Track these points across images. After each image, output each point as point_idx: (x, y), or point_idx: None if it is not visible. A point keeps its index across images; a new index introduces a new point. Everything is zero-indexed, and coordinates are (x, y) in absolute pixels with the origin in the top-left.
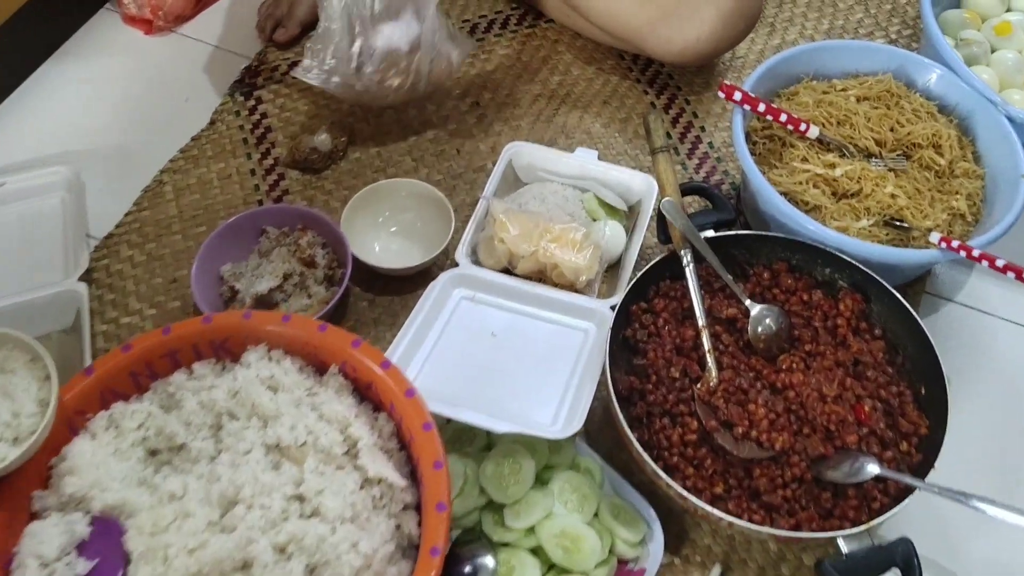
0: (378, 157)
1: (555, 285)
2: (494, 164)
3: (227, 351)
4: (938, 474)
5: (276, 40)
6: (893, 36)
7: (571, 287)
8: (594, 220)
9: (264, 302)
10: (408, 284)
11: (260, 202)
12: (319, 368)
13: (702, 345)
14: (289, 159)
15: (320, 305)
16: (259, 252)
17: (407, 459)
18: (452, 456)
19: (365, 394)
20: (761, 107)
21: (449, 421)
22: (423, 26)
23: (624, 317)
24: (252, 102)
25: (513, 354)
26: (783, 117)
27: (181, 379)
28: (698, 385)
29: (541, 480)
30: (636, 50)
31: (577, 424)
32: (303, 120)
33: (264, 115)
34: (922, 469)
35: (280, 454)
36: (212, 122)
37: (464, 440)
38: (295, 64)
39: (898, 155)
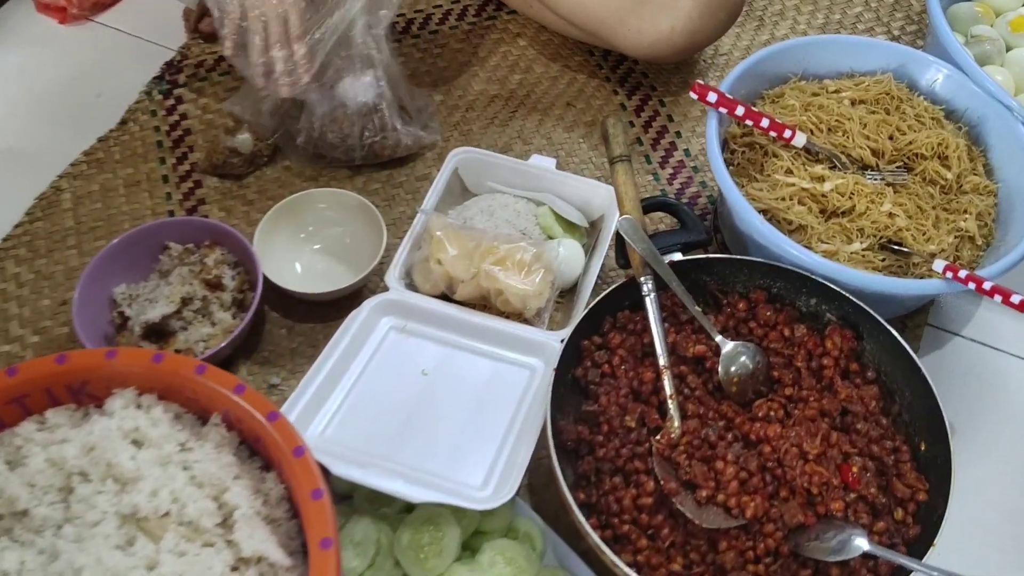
0: (310, 164)
1: (500, 314)
2: None
3: (90, 395)
4: (939, 552)
5: (202, 31)
6: (896, 32)
7: (519, 316)
8: (549, 238)
9: (157, 331)
10: (333, 310)
11: (171, 213)
12: (203, 416)
13: (663, 389)
14: (206, 164)
15: (224, 335)
16: (159, 272)
17: (300, 529)
18: (364, 520)
19: (256, 448)
20: (739, 110)
21: None
22: (373, 93)
23: (574, 353)
24: (171, 101)
25: (445, 397)
26: (765, 122)
27: (30, 430)
28: (657, 437)
29: (471, 548)
30: (605, 44)
31: (510, 490)
32: (228, 123)
33: (184, 115)
34: (919, 545)
35: (137, 526)
36: (123, 121)
37: (381, 499)
38: (222, 59)
39: (898, 167)
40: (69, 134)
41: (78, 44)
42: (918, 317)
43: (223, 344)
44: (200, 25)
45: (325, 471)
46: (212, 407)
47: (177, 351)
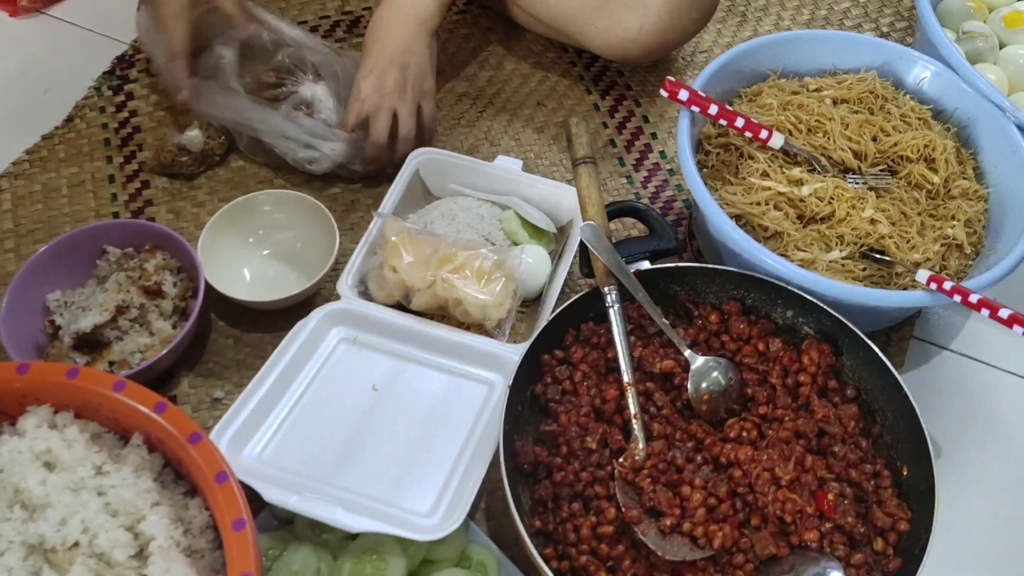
0: (265, 164)
1: (460, 325)
2: None
3: (3, 413)
4: None
5: None
6: (885, 29)
7: (479, 328)
8: (514, 244)
9: (90, 342)
10: (283, 319)
11: (116, 215)
12: (126, 436)
13: (627, 408)
14: (154, 163)
15: (163, 344)
16: (97, 278)
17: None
18: (304, 548)
19: (180, 471)
20: (712, 109)
21: None
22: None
23: (533, 368)
24: (121, 97)
25: (395, 415)
26: (740, 122)
27: None
28: (620, 460)
29: None
30: (574, 43)
31: (459, 517)
32: (180, 120)
33: (134, 112)
34: None
35: (43, 558)
36: (70, 118)
37: (324, 525)
38: None
39: (881, 170)
40: (13, 131)
41: (26, 37)
42: (903, 330)
43: (161, 354)
44: None
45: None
46: (133, 427)
47: (111, 363)
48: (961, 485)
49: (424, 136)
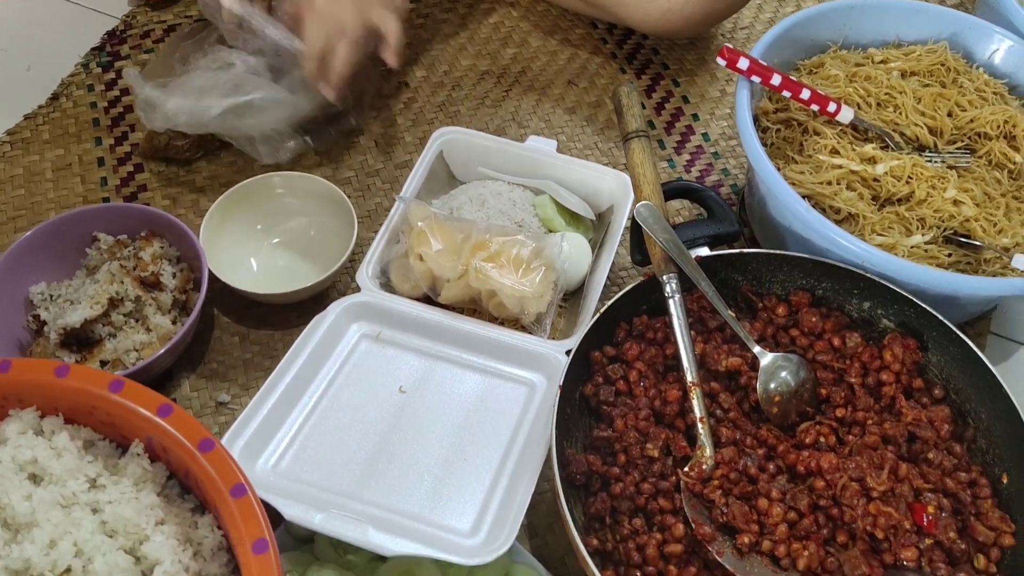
0: None
1: (494, 319)
2: None
3: None
4: None
5: None
6: None
7: (515, 323)
8: (550, 231)
9: (79, 339)
10: (295, 315)
11: (107, 200)
12: (122, 444)
13: (691, 410)
14: (147, 146)
15: (161, 342)
16: (87, 268)
17: None
18: (327, 570)
19: (187, 484)
20: (775, 79)
21: None
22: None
23: (583, 367)
24: (112, 75)
25: (426, 420)
26: (805, 93)
27: None
28: (686, 469)
29: None
30: (610, 17)
31: (508, 538)
32: None
33: (125, 91)
34: None
35: None
36: (55, 96)
37: (348, 544)
38: (172, 29)
39: (959, 148)
40: None
41: (7, 11)
42: (979, 324)
43: (159, 353)
44: None
45: (277, 513)
46: (132, 432)
47: (103, 362)
48: None
49: (388, 52)
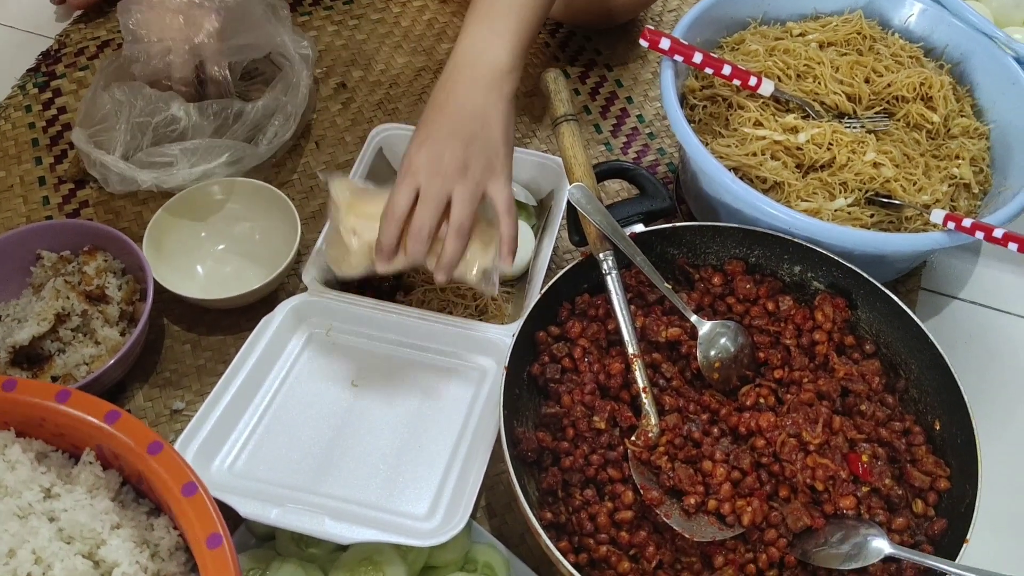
0: None
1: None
2: None
3: None
4: (974, 549)
5: (71, 1)
6: None
7: (466, 288)
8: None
9: (30, 356)
10: (245, 319)
11: (50, 219)
12: (75, 453)
13: (635, 382)
14: (74, 170)
15: (111, 354)
16: (32, 286)
17: None
18: (289, 565)
19: (140, 488)
20: (697, 57)
21: None
22: None
23: (529, 348)
24: (48, 94)
25: (379, 411)
26: (727, 69)
27: None
28: (632, 438)
29: None
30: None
31: (462, 517)
32: None
33: (63, 109)
34: (949, 541)
35: None
36: None
37: (309, 538)
38: (105, 45)
39: (877, 113)
40: None
41: None
42: (910, 281)
43: (109, 364)
44: None
45: (237, 515)
46: (82, 441)
47: (54, 378)
48: (993, 436)
49: (504, 245)
